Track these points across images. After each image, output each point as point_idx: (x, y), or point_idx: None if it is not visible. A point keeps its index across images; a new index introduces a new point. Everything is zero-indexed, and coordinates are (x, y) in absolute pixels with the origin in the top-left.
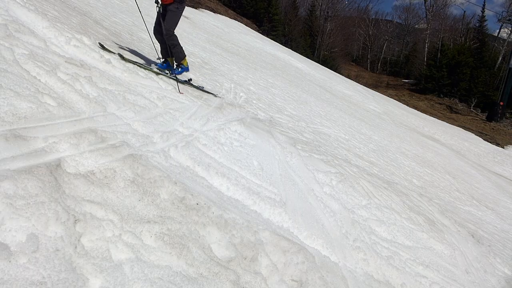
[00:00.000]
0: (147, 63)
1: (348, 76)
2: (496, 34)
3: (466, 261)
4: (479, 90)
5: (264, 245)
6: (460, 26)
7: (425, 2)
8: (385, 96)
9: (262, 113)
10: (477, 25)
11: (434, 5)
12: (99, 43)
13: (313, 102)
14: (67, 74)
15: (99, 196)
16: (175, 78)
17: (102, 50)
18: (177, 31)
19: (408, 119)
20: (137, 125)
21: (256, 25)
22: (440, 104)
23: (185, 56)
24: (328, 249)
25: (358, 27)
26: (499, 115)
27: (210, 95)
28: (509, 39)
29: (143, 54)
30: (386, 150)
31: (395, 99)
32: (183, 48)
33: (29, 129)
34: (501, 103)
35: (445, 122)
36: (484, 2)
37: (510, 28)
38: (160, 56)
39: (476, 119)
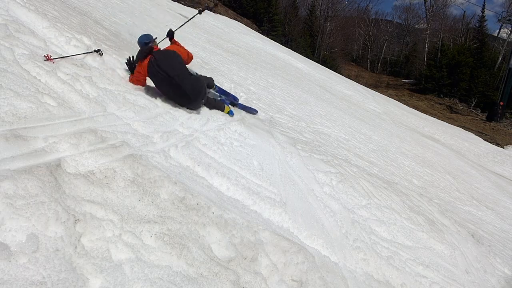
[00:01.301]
0: None
1: (348, 76)
2: (496, 34)
3: (466, 261)
4: (479, 90)
5: (264, 245)
6: (460, 26)
7: (425, 2)
8: (385, 96)
9: (262, 113)
10: (477, 25)
11: (434, 5)
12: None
13: (313, 102)
14: (67, 74)
15: (99, 196)
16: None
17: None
18: (178, 31)
19: (408, 119)
20: (137, 125)
21: (256, 25)
22: (440, 104)
23: (223, 108)
24: (328, 249)
25: (358, 27)
26: (499, 115)
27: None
28: (509, 39)
29: None
30: (386, 150)
31: (395, 99)
32: (216, 100)
33: (29, 129)
34: (501, 103)
35: (445, 122)
36: (484, 2)
37: (510, 28)
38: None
39: (476, 119)
